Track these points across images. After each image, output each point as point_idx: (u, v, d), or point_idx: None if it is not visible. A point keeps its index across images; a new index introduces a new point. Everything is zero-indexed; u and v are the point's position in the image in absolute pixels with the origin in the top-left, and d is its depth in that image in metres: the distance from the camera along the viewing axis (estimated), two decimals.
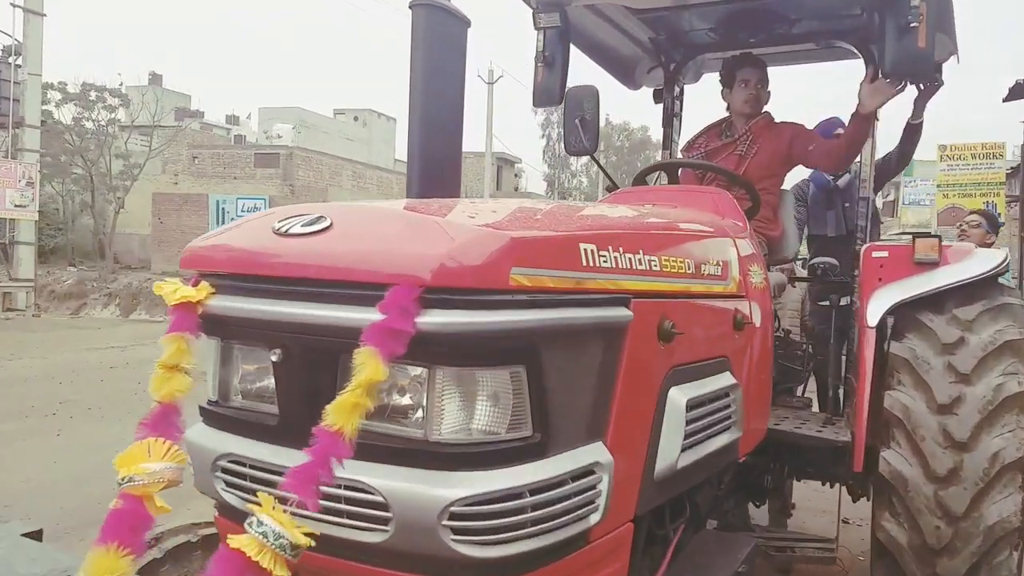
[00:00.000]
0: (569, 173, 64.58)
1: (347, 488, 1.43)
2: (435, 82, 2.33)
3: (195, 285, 1.62)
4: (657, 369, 1.81)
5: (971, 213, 6.03)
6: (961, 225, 5.56)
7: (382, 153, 53.32)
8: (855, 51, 3.69)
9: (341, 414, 1.29)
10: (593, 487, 1.55)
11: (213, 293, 1.61)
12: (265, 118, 51.64)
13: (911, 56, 2.79)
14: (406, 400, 1.48)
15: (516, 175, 57.75)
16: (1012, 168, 14.62)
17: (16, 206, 19.81)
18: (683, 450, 1.87)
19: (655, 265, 1.79)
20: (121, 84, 36.38)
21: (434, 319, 1.32)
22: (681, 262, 1.90)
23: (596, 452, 1.58)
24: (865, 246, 3.25)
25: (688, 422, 1.90)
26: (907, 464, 2.75)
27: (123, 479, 1.47)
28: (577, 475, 1.51)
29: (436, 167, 2.28)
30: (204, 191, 33.30)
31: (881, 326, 3.06)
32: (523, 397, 1.44)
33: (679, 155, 4.19)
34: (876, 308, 3.02)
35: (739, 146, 3.60)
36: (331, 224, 1.48)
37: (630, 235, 1.80)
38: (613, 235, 1.70)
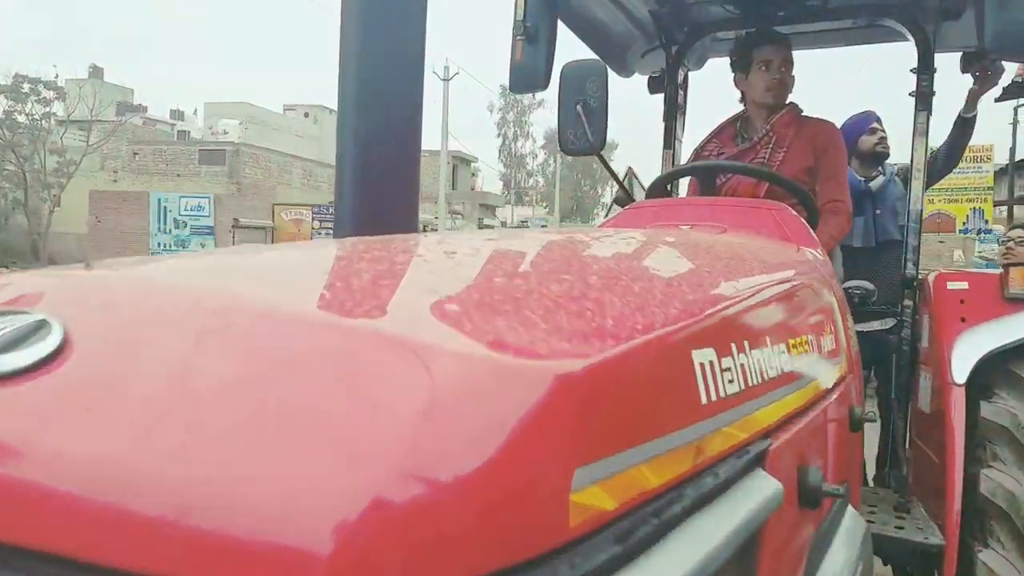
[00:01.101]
0: (525, 173, 63.97)
1: None
2: (381, 50, 1.57)
3: None
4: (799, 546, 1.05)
5: (1014, 227, 5.41)
6: (1007, 241, 4.95)
7: (333, 150, 51.57)
8: (905, 31, 2.99)
9: None
10: None
11: None
12: (211, 113, 49.79)
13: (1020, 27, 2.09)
14: None
15: (472, 174, 56.90)
16: (999, 168, 14.26)
17: None
18: None
19: (777, 365, 0.98)
20: (57, 76, 34.75)
21: None
22: (800, 343, 1.12)
23: None
24: (934, 274, 2.55)
25: None
26: (1016, 574, 2.06)
27: None
28: None
29: (381, 180, 1.59)
30: (145, 189, 31.80)
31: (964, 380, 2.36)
32: None
33: (681, 158, 3.45)
34: (963, 360, 2.31)
35: (760, 150, 2.83)
36: (63, 351, 0.53)
37: (735, 314, 0.93)
38: (720, 324, 0.86)
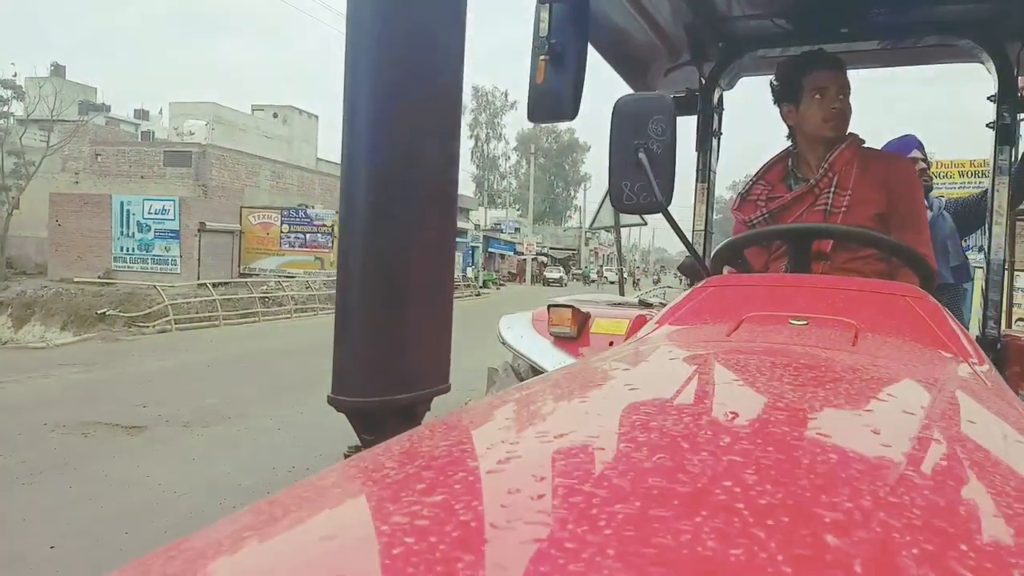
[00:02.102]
0: (498, 175, 63.54)
1: None
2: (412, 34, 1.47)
3: None
4: None
5: None
6: None
7: (303, 152, 50.92)
8: (983, 53, 2.57)
9: None
10: None
11: None
12: (176, 114, 48.61)
13: None
14: None
15: None
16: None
17: None
18: None
19: None
20: (15, 75, 33.67)
21: None
22: None
23: None
24: None
25: None
26: None
27: None
28: None
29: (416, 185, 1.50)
30: (108, 191, 30.82)
31: None
32: None
33: (709, 198, 2.99)
34: None
35: (821, 194, 2.36)
36: None
37: None
38: None
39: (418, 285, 1.54)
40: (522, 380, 2.62)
